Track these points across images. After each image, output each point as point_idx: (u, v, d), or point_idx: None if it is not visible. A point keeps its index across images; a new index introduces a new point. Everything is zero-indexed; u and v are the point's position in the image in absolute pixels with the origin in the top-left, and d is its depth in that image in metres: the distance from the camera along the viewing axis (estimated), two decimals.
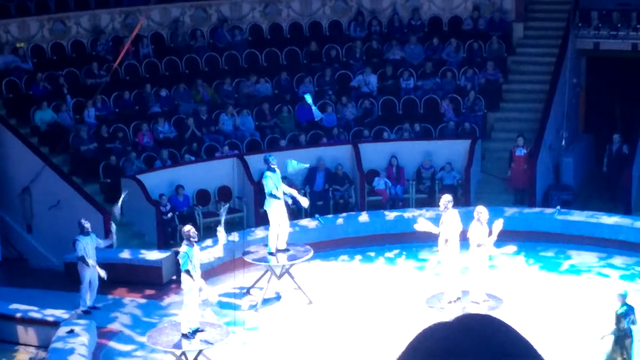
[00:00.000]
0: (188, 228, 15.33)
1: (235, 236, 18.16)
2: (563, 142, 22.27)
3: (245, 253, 17.82)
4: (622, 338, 13.82)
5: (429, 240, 17.40)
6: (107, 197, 21.15)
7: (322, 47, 25.66)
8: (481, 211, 16.22)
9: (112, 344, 16.21)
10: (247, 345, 16.00)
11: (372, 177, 22.42)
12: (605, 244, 19.45)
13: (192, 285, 15.07)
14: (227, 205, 17.48)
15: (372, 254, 19.82)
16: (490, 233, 16.19)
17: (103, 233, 18.21)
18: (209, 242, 18.12)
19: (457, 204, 17.59)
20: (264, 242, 18.16)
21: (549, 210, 20.54)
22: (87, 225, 17.00)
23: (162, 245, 19.97)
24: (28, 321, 16.44)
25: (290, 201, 17.62)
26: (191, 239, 15.05)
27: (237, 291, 17.52)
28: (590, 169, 24.24)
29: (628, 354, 13.97)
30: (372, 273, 18.89)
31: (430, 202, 21.33)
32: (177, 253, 16.30)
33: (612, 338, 13.90)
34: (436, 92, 24.58)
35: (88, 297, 17.05)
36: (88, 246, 16.89)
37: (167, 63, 24.82)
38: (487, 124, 24.19)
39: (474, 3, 26.28)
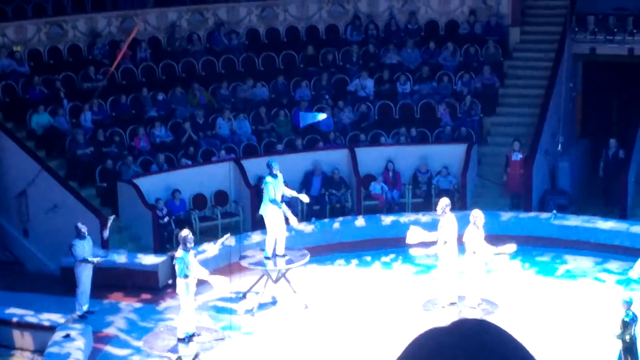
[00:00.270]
0: (186, 233, 15.32)
1: (231, 240, 18.14)
2: (559, 147, 22.24)
3: (242, 257, 17.83)
4: (630, 347, 13.82)
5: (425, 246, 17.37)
6: (103, 201, 21.15)
7: (319, 51, 25.67)
8: (477, 215, 16.21)
9: (108, 348, 16.18)
10: (243, 349, 15.99)
11: (369, 181, 22.42)
12: (601, 249, 19.47)
13: (188, 289, 15.06)
14: (227, 235, 17.24)
15: (369, 258, 19.83)
16: (494, 245, 16.23)
17: (99, 239, 18.23)
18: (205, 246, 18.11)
19: (453, 208, 17.58)
20: (260, 246, 18.16)
21: (545, 215, 20.56)
22: (84, 229, 17.00)
23: (158, 250, 19.93)
24: (24, 325, 16.42)
25: (288, 212, 17.42)
26: (187, 244, 15.04)
27: (234, 295, 17.51)
28: (587, 173, 24.24)
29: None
30: (369, 277, 18.88)
31: (426, 206, 21.33)
32: (173, 257, 16.29)
33: (620, 345, 13.90)
34: (433, 97, 24.58)
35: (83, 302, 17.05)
36: (85, 249, 16.90)
37: (163, 67, 24.80)
38: (483, 129, 24.19)
39: (471, 7, 26.31)
